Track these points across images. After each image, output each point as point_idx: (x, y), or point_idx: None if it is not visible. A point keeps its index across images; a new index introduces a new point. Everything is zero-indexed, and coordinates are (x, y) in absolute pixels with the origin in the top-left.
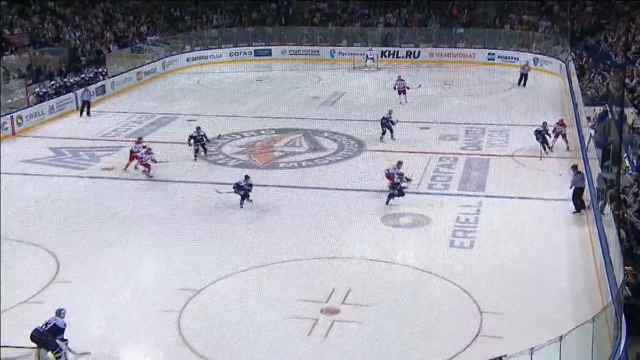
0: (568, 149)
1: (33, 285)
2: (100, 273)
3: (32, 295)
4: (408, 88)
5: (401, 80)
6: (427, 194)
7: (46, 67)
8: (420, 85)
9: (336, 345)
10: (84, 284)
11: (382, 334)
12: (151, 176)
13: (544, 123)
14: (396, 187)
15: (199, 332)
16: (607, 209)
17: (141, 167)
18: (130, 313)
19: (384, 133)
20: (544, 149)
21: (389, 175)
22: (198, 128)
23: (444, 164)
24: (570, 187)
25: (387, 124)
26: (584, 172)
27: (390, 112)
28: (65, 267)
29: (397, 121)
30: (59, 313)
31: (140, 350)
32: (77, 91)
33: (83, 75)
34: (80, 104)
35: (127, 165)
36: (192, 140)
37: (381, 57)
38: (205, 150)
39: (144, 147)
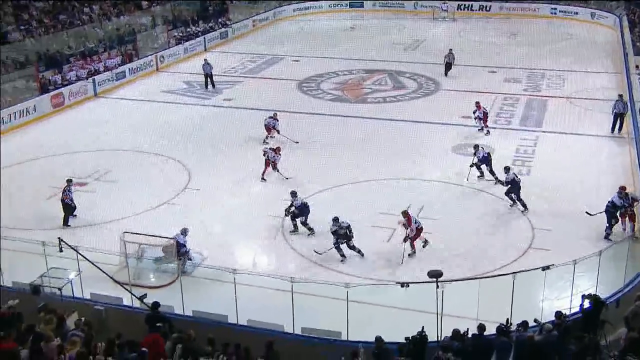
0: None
1: (171, 190)
2: (221, 183)
3: (171, 197)
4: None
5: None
6: (492, 128)
7: (182, 15)
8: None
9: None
10: (209, 191)
11: (449, 243)
12: (288, 178)
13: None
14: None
15: (299, 235)
16: None
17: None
18: (242, 215)
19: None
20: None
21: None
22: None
23: (507, 103)
24: (612, 112)
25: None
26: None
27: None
28: (194, 177)
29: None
30: (184, 232)
31: (249, 246)
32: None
33: (211, 24)
34: (204, 78)
35: (264, 173)
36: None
37: (457, 9)
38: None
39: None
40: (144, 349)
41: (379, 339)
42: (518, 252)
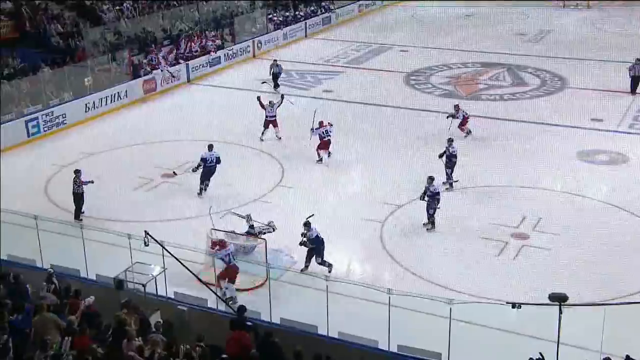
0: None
1: (263, 186)
2: (315, 181)
3: (263, 194)
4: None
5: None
6: (628, 133)
7: None
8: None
9: (523, 268)
10: (303, 190)
11: (569, 263)
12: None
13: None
14: None
15: (398, 242)
16: None
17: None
18: (336, 218)
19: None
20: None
21: None
22: None
23: None
24: None
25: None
26: None
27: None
28: (288, 173)
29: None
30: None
31: (344, 252)
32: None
33: (313, 9)
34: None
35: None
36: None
37: None
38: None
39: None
40: (224, 356)
41: None
42: None
